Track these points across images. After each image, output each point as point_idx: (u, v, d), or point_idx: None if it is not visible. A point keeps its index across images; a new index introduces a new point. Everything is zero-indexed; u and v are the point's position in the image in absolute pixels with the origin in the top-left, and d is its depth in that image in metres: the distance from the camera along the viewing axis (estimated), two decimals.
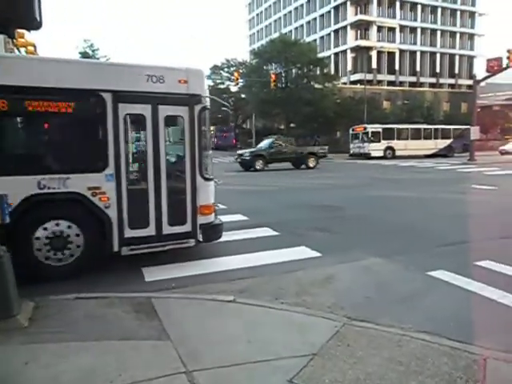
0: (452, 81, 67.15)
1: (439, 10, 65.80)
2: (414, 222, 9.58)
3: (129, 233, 5.92)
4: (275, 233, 8.28)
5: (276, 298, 4.96)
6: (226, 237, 7.19)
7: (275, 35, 59.12)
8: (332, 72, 57.99)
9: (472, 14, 69.18)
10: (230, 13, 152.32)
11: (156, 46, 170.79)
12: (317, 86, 44.62)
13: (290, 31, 74.21)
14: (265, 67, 48.39)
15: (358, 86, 52.63)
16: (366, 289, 5.34)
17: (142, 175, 6.20)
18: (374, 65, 60.93)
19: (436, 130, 38.86)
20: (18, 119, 5.82)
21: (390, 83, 61.40)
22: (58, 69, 5.61)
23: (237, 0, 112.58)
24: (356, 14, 62.70)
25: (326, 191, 15.35)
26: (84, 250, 5.73)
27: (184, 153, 6.29)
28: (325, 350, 3.64)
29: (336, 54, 65.87)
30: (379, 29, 62.23)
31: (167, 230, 6.17)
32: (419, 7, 64.31)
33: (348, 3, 62.86)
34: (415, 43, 64.62)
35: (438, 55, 66.17)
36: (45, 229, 5.52)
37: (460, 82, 67.02)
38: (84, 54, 38.94)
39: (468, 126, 32.04)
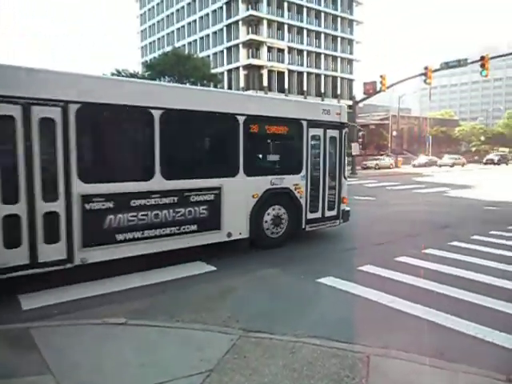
0: (335, 101, 73.08)
1: (322, 35, 71.51)
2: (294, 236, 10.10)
3: (309, 215, 8.77)
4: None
5: (172, 316, 4.81)
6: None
7: (168, 48, 58.67)
8: (225, 88, 59.27)
9: (350, 42, 76.48)
10: (121, 23, 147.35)
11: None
12: None
13: (184, 45, 74.24)
14: (157, 80, 47.55)
15: None
16: (261, 299, 5.46)
17: (316, 176, 8.91)
18: (265, 83, 63.73)
19: None
20: (262, 138, 8.29)
21: None
22: (284, 105, 8.91)
23: (128, 9, 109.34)
24: (248, 33, 65.15)
25: None
26: (287, 227, 8.46)
27: (335, 160, 9.24)
28: (221, 364, 3.62)
29: (229, 71, 67.53)
30: (269, 49, 65.40)
31: (326, 213, 9.14)
32: (305, 31, 69.19)
33: (240, 23, 65.12)
34: (302, 64, 69.17)
35: (323, 77, 71.64)
36: (270, 212, 8.17)
37: (342, 102, 73.05)
38: None
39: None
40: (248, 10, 64.37)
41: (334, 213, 9.28)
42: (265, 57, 64.69)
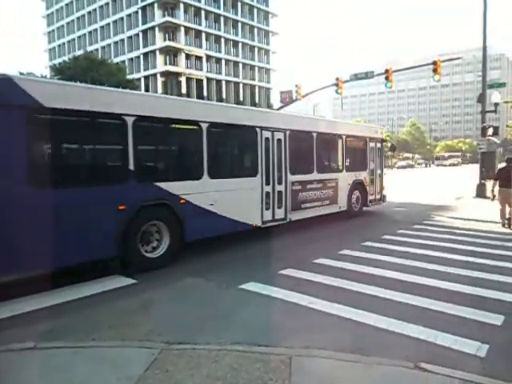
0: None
1: (240, 44, 72.75)
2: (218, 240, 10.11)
3: (369, 197, 14.08)
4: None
5: (87, 334, 4.52)
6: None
7: (80, 52, 55.78)
8: None
9: (267, 52, 78.72)
10: (25, 22, 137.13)
11: None
12: None
13: (97, 49, 71.04)
14: None
15: None
16: (183, 311, 5.34)
17: (372, 171, 14.25)
18: (184, 90, 63.14)
19: None
20: (353, 150, 13.40)
21: None
22: (362, 128, 15.36)
23: (33, 8, 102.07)
24: (165, 40, 64.17)
25: None
26: (361, 204, 13.73)
27: (380, 162, 14.77)
28: (142, 381, 3.47)
29: (146, 77, 65.89)
30: (187, 56, 65.00)
31: (377, 196, 14.60)
32: (223, 40, 69.88)
33: (156, 29, 63.95)
34: (221, 73, 69.70)
35: (241, 85, 72.80)
36: (355, 194, 13.34)
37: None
38: None
39: None
40: (164, 16, 63.47)
41: (379, 196, 14.76)
42: (183, 64, 64.13)
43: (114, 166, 7.05)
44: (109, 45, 72.24)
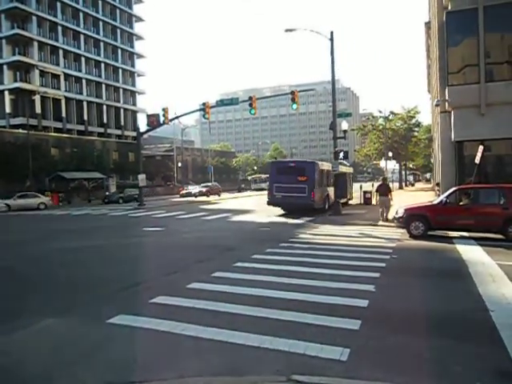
0: (119, 132, 71.58)
1: (103, 65, 69.63)
2: (89, 271, 9.35)
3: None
4: None
5: None
6: None
7: None
8: None
9: (132, 74, 76.80)
10: None
11: None
12: None
13: None
14: None
15: (21, 130, 48.21)
16: (42, 357, 4.70)
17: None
18: (39, 110, 57.68)
19: None
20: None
21: (58, 130, 59.46)
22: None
23: None
24: (14, 53, 58.10)
25: None
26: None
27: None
28: None
29: None
30: (42, 73, 59.72)
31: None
32: (83, 59, 66.07)
33: (3, 41, 57.60)
34: (81, 93, 65.53)
35: (105, 107, 69.38)
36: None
37: (126, 133, 72.25)
38: None
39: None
40: (13, 28, 57.63)
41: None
42: (37, 81, 58.74)
43: None
44: None
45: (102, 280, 8.36)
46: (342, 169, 25.41)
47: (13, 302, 6.89)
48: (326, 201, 22.31)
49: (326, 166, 24.12)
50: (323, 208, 21.83)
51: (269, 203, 22.08)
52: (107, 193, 43.38)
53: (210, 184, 54.70)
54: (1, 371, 4.32)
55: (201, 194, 48.52)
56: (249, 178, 72.97)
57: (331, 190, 22.42)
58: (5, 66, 57.45)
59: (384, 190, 17.91)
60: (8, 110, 57.56)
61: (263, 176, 66.57)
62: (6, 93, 57.52)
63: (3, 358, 4.64)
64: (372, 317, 5.72)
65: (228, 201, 39.34)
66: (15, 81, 57.66)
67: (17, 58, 57.31)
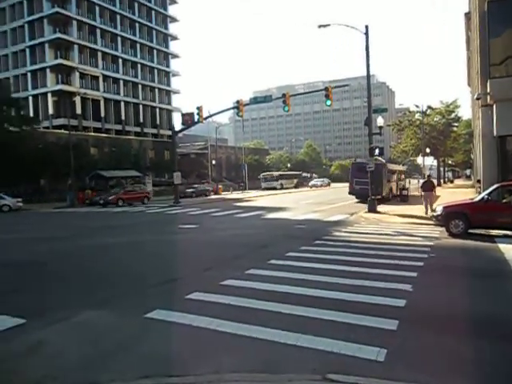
0: (155, 131, 73.18)
1: (139, 65, 71.33)
2: (126, 267, 9.61)
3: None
4: None
5: None
6: None
7: None
8: (31, 114, 53.34)
9: (167, 74, 78.26)
10: None
11: None
12: (12, 128, 39.62)
13: None
14: None
15: (63, 131, 50.13)
16: (81, 348, 4.88)
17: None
18: (79, 110, 59.81)
19: None
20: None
21: (97, 130, 61.44)
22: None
23: None
24: (56, 57, 60.46)
25: (25, 245, 13.60)
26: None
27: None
28: None
29: (35, 96, 61.19)
30: (82, 75, 61.89)
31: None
32: (120, 60, 67.93)
33: (46, 45, 60.02)
34: (119, 93, 67.41)
35: (141, 106, 71.08)
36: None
37: (162, 132, 73.76)
38: None
39: None
40: (56, 32, 59.97)
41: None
42: (77, 83, 60.92)
43: None
44: None
45: (139, 275, 8.58)
46: (395, 167, 35.62)
47: (54, 296, 7.18)
48: (390, 192, 29.97)
49: (392, 166, 34.42)
50: (388, 197, 28.43)
51: (349, 193, 29.40)
52: (188, 190, 45.62)
53: (324, 180, 68.06)
54: (42, 361, 4.51)
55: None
56: (260, 175, 64.44)
57: (394, 185, 31.77)
58: (48, 70, 59.95)
59: (428, 186, 19.76)
60: (51, 111, 60.01)
61: (275, 173, 65.39)
62: (49, 95, 60.04)
63: (44, 349, 4.85)
64: (409, 317, 5.58)
65: (262, 198, 39.41)
66: (57, 83, 60.06)
67: (59, 61, 59.67)
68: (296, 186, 64.61)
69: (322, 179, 72.06)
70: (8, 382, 4.01)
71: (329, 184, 68.93)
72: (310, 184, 66.29)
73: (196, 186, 48.83)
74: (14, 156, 35.71)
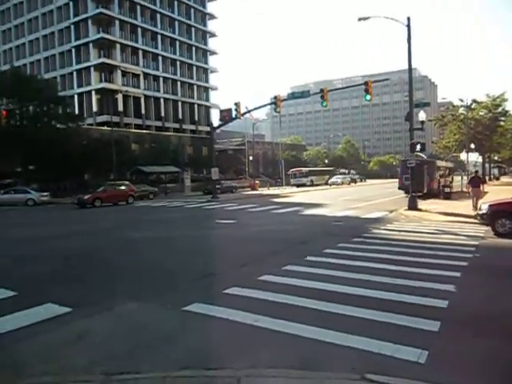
0: (193, 127, 74.29)
1: (178, 63, 72.56)
2: (165, 260, 9.83)
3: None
4: (11, 293, 6.91)
5: (17, 372, 4.12)
6: None
7: (5, 67, 52.79)
8: (76, 112, 55.49)
9: (205, 70, 79.14)
10: None
11: None
12: (59, 125, 41.45)
13: (25, 65, 67.67)
14: None
15: (105, 127, 51.86)
16: (123, 338, 5.06)
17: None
18: (121, 108, 61.59)
19: None
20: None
21: (138, 126, 63.11)
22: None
23: None
24: (99, 56, 62.51)
25: (72, 238, 14.19)
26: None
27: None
28: None
29: (80, 94, 63.59)
30: (124, 73, 63.67)
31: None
32: (160, 58, 69.33)
33: (90, 45, 62.15)
34: (159, 90, 68.89)
35: (180, 103, 72.32)
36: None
37: (200, 128, 74.78)
38: None
39: None
40: (99, 32, 61.97)
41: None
42: (119, 81, 62.75)
43: None
44: (38, 60, 69.22)
45: (178, 269, 8.76)
46: (443, 164, 36.95)
47: (96, 287, 7.46)
48: (438, 188, 30.05)
49: (440, 163, 35.64)
50: (436, 193, 28.65)
51: (399, 188, 30.31)
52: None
53: (346, 176, 64.52)
54: (88, 348, 4.71)
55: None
56: (289, 171, 59.75)
57: (441, 181, 32.07)
58: (91, 68, 62.09)
59: (476, 182, 19.98)
60: (94, 108, 62.19)
61: (304, 169, 60.79)
62: (93, 93, 62.21)
63: (90, 337, 5.06)
64: (452, 318, 5.41)
65: (298, 194, 39.22)
66: (100, 81, 62.09)
67: (102, 60, 61.66)
68: (327, 183, 59.43)
69: (342, 176, 64.70)
70: (59, 367, 4.22)
71: (354, 181, 63.56)
72: (329, 182, 58.60)
73: (222, 182, 46.36)
74: (61, 152, 37.36)
